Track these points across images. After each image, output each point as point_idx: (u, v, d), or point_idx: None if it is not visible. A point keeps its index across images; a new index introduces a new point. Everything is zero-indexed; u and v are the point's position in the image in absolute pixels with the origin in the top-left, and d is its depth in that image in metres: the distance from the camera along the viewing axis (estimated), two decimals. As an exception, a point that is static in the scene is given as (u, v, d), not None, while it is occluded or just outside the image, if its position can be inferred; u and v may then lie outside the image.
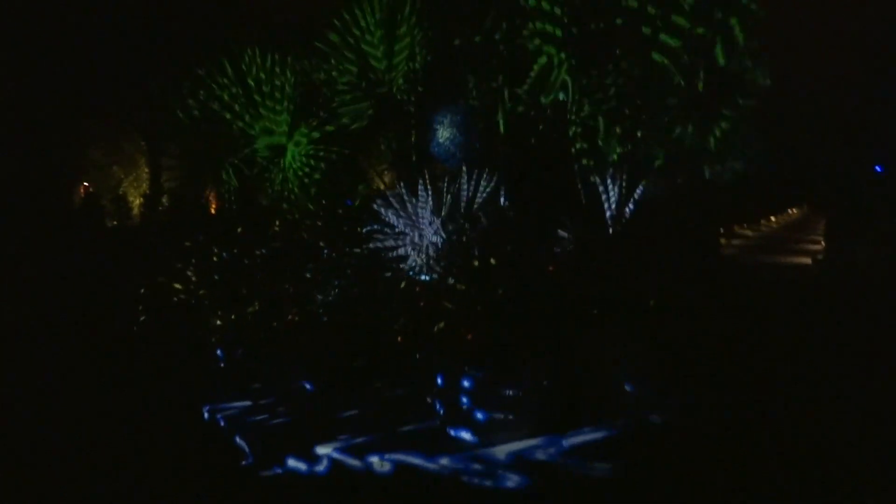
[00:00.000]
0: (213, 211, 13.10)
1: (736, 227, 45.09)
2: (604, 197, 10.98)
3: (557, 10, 10.11)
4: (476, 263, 8.37)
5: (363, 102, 12.12)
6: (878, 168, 28.23)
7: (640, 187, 10.84)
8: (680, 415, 8.10)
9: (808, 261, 25.49)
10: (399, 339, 8.41)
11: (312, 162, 11.45)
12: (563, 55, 10.23)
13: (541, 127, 10.78)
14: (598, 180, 10.96)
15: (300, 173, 11.51)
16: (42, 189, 15.17)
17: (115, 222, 14.53)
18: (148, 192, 13.29)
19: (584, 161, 10.28)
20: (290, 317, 9.23)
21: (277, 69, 11.50)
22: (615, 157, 10.99)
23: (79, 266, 12.97)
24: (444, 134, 10.90)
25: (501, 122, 10.86)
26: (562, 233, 9.77)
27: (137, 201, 14.58)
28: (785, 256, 28.84)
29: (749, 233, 45.52)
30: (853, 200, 23.82)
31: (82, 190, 16.06)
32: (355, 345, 8.68)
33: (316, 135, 11.62)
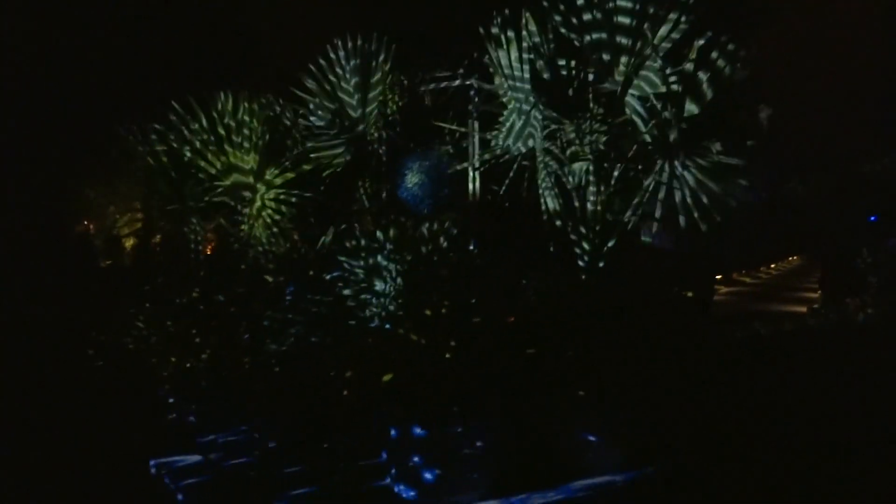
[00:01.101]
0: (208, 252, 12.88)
1: (735, 274, 44.71)
2: (576, 247, 10.76)
3: (526, 58, 9.98)
4: (428, 313, 8.09)
5: (337, 146, 12.06)
6: (872, 218, 28.01)
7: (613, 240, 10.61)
8: (650, 477, 7.75)
9: (803, 310, 25.31)
10: (347, 391, 8.11)
11: (283, 207, 11.33)
12: (530, 102, 10.07)
13: (511, 174, 10.57)
14: (569, 228, 10.75)
15: (268, 217, 11.37)
16: (39, 226, 15.08)
17: (108, 262, 14.33)
18: (140, 232, 13.05)
19: (552, 209, 10.04)
20: (241, 366, 8.97)
21: (246, 113, 11.42)
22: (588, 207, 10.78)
23: (53, 305, 12.79)
24: (413, 179, 10.76)
25: (471, 167, 10.70)
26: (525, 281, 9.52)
27: (130, 242, 14.40)
28: (781, 305, 28.63)
29: (748, 280, 45.09)
30: (847, 249, 23.57)
31: (83, 228, 15.94)
32: (307, 396, 8.40)
33: (289, 176, 11.51)
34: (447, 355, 7.82)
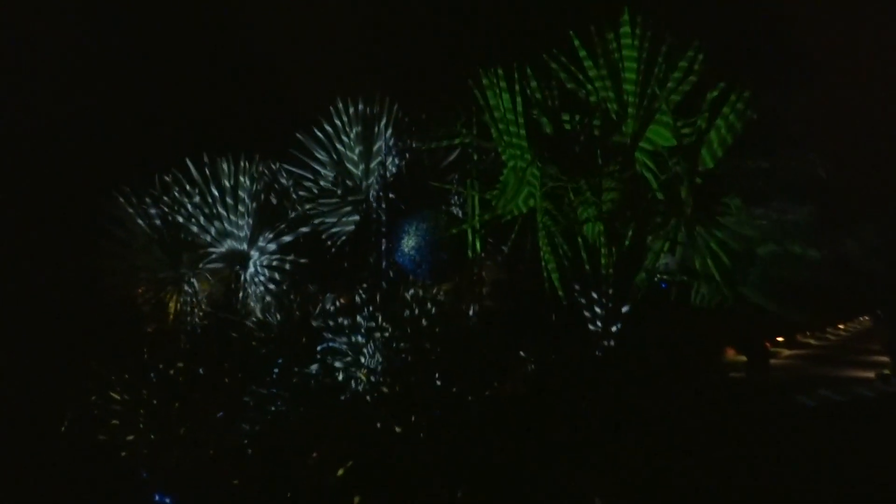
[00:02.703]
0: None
1: (798, 335, 42.27)
2: (586, 312, 9.94)
3: (520, 111, 9.40)
4: (397, 389, 7.37)
5: (338, 210, 11.65)
6: (940, 276, 26.00)
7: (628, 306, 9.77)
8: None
9: (871, 375, 23.67)
10: (317, 475, 7.39)
11: (276, 274, 10.87)
12: (527, 160, 9.44)
13: (513, 236, 9.88)
14: (577, 291, 9.95)
15: (261, 283, 10.92)
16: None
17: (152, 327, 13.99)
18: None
19: (552, 273, 9.28)
20: (215, 445, 8.37)
21: (241, 174, 11.13)
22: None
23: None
24: (409, 243, 10.17)
25: (471, 230, 10.07)
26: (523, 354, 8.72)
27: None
28: (847, 370, 26.85)
29: (813, 342, 42.58)
30: (916, 309, 21.84)
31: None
32: (277, 481, 7.73)
33: (284, 241, 11.10)
34: (421, 436, 7.05)
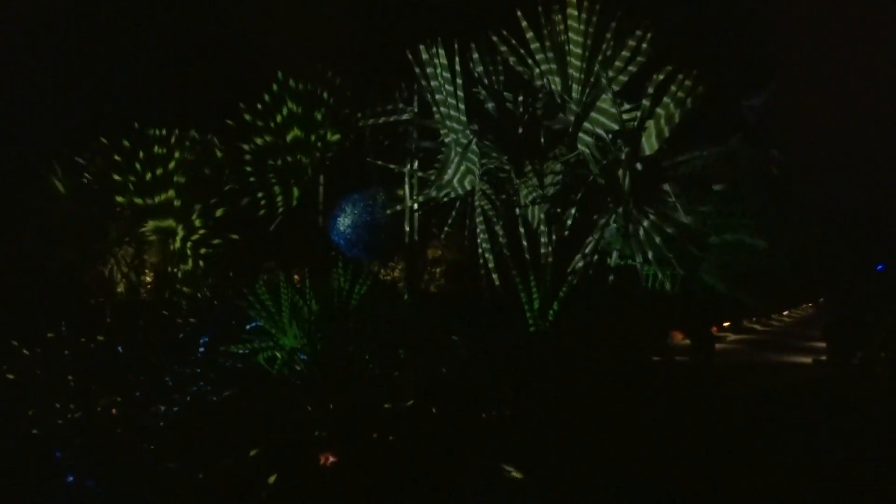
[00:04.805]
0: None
1: (745, 321, 43.05)
2: (523, 295, 9.79)
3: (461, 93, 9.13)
4: (319, 371, 7.14)
5: (275, 185, 11.28)
6: (879, 266, 26.61)
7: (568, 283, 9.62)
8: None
9: (808, 360, 24.30)
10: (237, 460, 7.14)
11: (202, 249, 10.48)
12: (468, 136, 9.19)
13: (451, 217, 9.66)
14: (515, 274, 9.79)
15: (190, 261, 10.54)
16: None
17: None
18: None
19: (488, 255, 9.09)
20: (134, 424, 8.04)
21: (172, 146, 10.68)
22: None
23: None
24: (345, 221, 9.89)
25: (408, 209, 9.82)
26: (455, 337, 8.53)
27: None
28: (787, 356, 27.37)
29: (758, 327, 43.49)
30: (852, 299, 22.37)
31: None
32: (193, 463, 7.46)
33: (217, 213, 10.70)
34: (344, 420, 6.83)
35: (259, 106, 11.50)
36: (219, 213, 10.62)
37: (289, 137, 11.37)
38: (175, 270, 10.37)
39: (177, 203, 10.63)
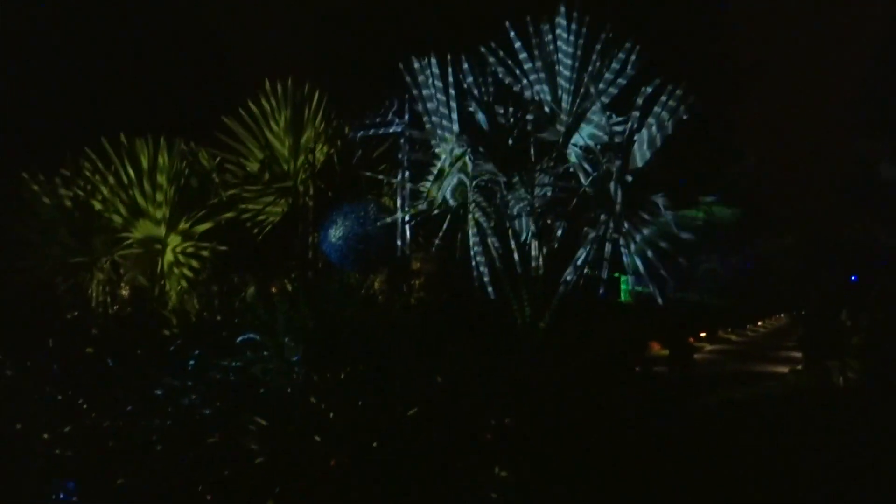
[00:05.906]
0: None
1: (721, 332, 43.51)
2: (514, 306, 9.83)
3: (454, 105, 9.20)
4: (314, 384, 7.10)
5: (265, 196, 11.24)
6: (853, 277, 27.19)
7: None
8: None
9: (784, 370, 24.80)
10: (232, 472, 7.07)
11: (193, 262, 10.38)
12: (459, 151, 9.26)
13: (444, 226, 9.68)
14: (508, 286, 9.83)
15: (180, 272, 10.42)
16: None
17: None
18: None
19: (481, 266, 9.12)
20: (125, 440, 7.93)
21: (160, 156, 10.57)
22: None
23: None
24: (336, 233, 9.87)
25: (401, 220, 9.84)
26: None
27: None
28: (763, 365, 27.81)
29: (734, 337, 43.97)
30: (827, 309, 22.87)
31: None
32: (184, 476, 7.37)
33: (203, 227, 10.60)
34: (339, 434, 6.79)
35: (247, 117, 11.42)
36: (204, 227, 10.52)
37: (278, 149, 11.31)
38: (162, 282, 10.23)
39: (163, 214, 10.51)
